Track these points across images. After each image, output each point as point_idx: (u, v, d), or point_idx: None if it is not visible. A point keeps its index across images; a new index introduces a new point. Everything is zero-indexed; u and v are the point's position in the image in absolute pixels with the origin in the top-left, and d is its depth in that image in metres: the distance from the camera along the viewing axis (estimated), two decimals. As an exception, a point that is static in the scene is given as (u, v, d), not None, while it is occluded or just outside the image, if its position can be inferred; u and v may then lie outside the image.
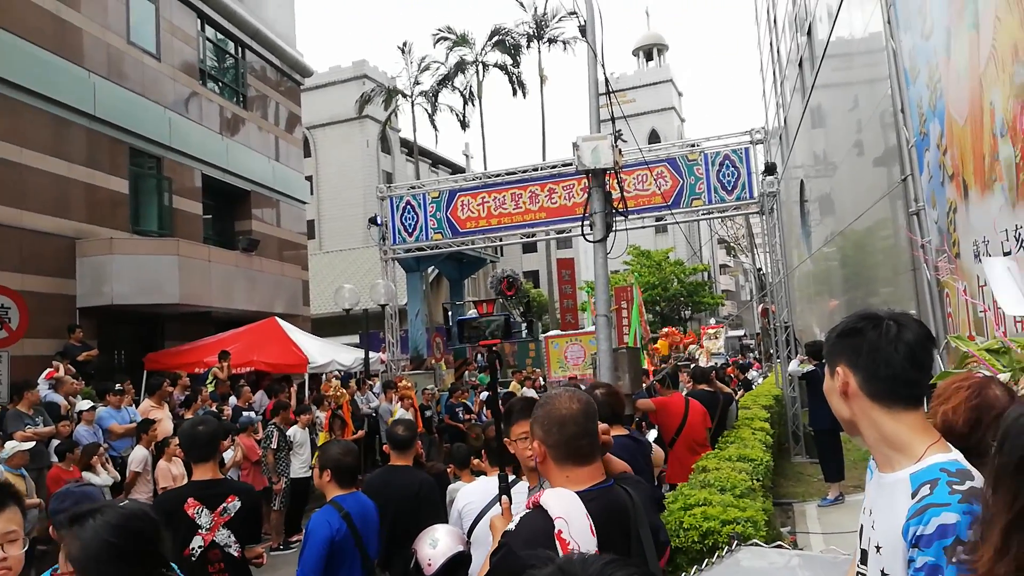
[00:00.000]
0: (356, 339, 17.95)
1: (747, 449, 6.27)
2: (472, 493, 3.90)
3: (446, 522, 3.89)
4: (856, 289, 13.31)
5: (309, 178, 26.67)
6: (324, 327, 20.14)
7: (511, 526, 2.03)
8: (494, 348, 3.40)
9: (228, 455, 8.37)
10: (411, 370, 15.27)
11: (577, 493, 2.00)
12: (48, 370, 9.25)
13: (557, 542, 1.86)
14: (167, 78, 14.97)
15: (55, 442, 7.66)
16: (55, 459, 7.42)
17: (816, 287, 18.85)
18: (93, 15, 13.16)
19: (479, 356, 18.54)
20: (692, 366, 10.34)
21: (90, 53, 13.00)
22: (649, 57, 61.36)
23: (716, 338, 32.55)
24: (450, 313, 15.27)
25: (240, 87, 17.77)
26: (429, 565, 3.34)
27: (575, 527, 1.89)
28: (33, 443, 6.93)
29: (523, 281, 12.79)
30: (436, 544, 3.38)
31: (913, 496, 1.52)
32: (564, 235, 14.66)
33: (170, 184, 14.90)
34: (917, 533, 1.48)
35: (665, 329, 18.97)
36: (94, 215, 12.77)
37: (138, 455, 7.80)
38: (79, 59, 12.74)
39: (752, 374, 21.88)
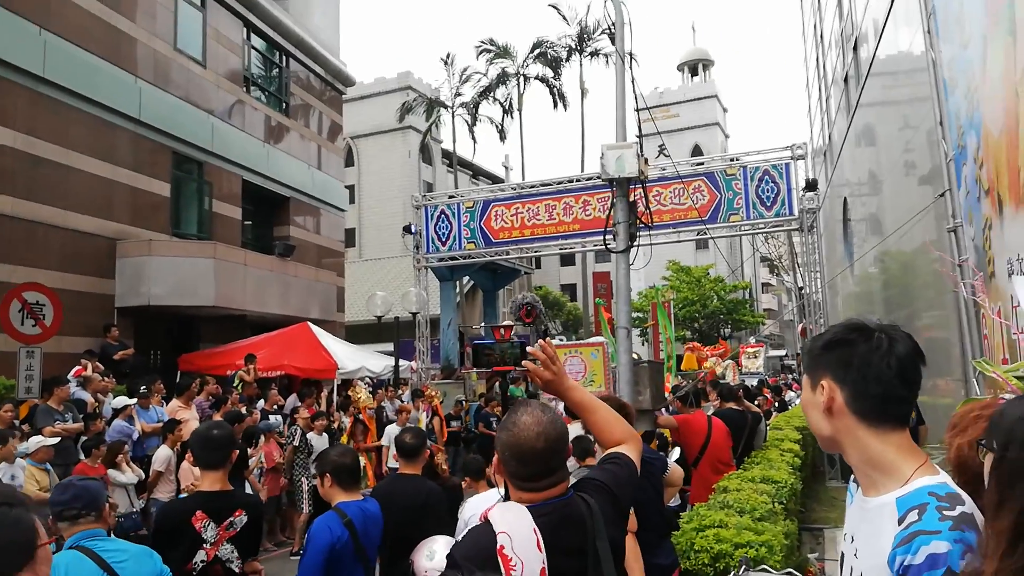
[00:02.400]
0: (391, 347, 18.04)
1: (773, 471, 6.06)
2: (478, 505, 3.82)
3: (452, 534, 3.81)
4: (899, 310, 12.91)
5: (351, 187, 27.00)
6: (360, 334, 20.29)
7: (457, 538, 1.96)
8: (507, 376, 3.35)
9: (254, 459, 8.44)
10: (441, 379, 15.25)
11: (529, 507, 1.92)
12: (76, 368, 9.41)
13: (499, 558, 1.77)
14: (212, 85, 15.28)
15: (83, 439, 7.79)
16: (82, 456, 7.54)
17: (859, 307, 18.36)
18: (141, 21, 13.51)
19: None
20: (720, 383, 10.03)
21: (137, 58, 13.34)
22: (694, 72, 60.94)
23: (756, 357, 31.93)
24: (465, 337, 15.17)
25: (283, 95, 18.07)
26: (425, 576, 3.27)
27: (519, 543, 1.81)
28: (59, 439, 7.04)
29: (542, 310, 12.66)
30: (433, 556, 3.32)
31: (900, 522, 1.41)
32: (598, 248, 14.51)
33: (211, 188, 15.18)
34: (905, 563, 1.36)
35: (689, 344, 18.41)
36: (135, 217, 13.06)
37: (162, 455, 7.87)
38: (126, 64, 13.08)
39: (790, 395, 21.34)
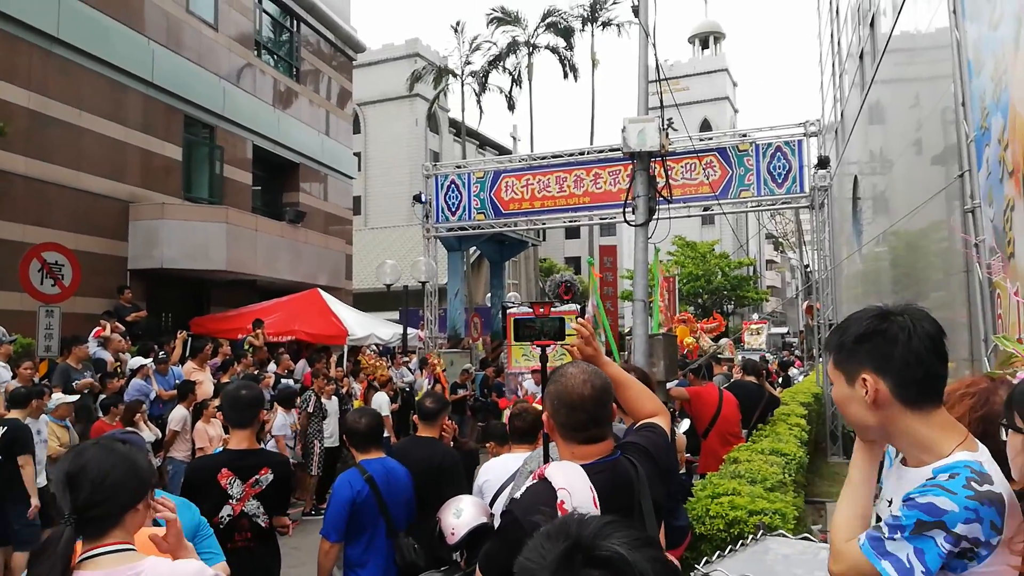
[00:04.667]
0: (397, 315, 18.13)
1: (781, 443, 6.18)
2: (492, 469, 3.90)
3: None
4: (906, 290, 12.94)
5: (357, 154, 26.89)
6: (366, 302, 20.37)
7: (517, 495, 2.05)
8: (545, 349, 3.41)
9: (280, 422, 8.62)
10: (448, 348, 15.37)
11: (582, 466, 2.02)
12: (96, 328, 9.52)
13: (559, 512, 1.86)
14: (223, 48, 15.20)
15: (102, 397, 7.92)
16: (101, 414, 7.67)
17: (864, 287, 18.38)
18: (154, -17, 13.41)
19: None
20: (742, 358, 10.14)
21: (150, 20, 13.27)
22: (705, 45, 60.28)
23: (758, 334, 32.00)
24: (506, 310, 15.26)
25: (294, 60, 17.97)
26: (452, 534, 3.35)
27: (578, 498, 1.91)
28: (78, 396, 7.16)
29: (581, 285, 12.85)
30: (460, 514, 3.39)
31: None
32: (607, 221, 14.53)
33: (222, 153, 15.18)
34: (909, 496, 1.46)
35: (682, 314, 18.18)
36: (148, 180, 13.09)
37: (177, 415, 8.00)
38: (139, 26, 13.01)
39: (793, 371, 21.50)
